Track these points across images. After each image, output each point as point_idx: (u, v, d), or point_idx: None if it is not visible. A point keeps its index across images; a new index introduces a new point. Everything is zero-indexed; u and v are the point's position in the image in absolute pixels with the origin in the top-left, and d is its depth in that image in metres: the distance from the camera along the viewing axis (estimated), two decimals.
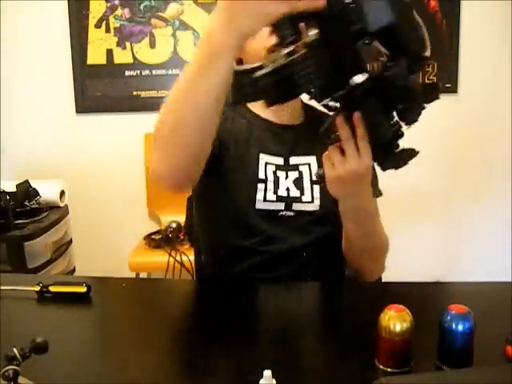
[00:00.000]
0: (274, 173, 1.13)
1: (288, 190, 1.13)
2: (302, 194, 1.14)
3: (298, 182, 1.14)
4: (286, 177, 1.14)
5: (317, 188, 1.14)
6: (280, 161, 1.14)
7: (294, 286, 1.09)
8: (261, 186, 1.11)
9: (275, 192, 1.12)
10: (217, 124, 0.85)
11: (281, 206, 1.12)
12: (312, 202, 1.13)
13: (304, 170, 1.15)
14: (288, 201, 1.12)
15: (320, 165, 1.00)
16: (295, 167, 1.15)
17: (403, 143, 0.86)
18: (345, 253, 1.13)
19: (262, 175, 1.12)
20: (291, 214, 1.13)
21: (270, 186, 1.12)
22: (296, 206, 1.13)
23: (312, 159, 1.15)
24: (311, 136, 1.03)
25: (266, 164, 1.13)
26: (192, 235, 1.42)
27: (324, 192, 1.12)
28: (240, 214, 1.11)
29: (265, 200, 1.11)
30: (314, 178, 1.13)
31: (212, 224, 1.19)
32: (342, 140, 0.88)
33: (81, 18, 2.49)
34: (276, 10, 0.72)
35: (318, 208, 1.13)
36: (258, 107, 1.17)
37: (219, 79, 0.78)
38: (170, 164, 0.87)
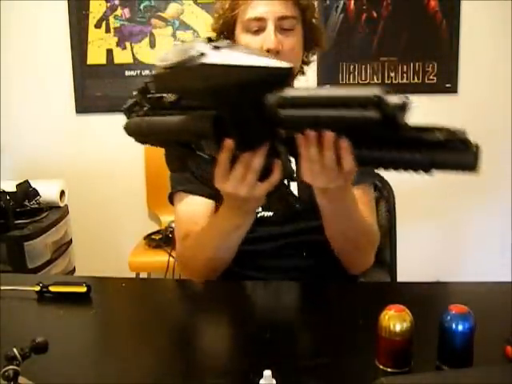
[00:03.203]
0: None
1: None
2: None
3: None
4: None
5: (294, 185, 1.12)
6: None
7: (294, 286, 1.09)
8: None
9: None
10: None
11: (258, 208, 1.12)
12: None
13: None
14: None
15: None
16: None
17: None
18: (330, 243, 1.11)
19: None
20: (270, 214, 1.12)
21: None
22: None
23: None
24: None
25: None
26: None
27: (302, 188, 1.11)
28: None
29: None
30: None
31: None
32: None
33: (81, 17, 2.49)
34: (264, 190, 0.85)
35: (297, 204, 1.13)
36: None
37: (240, 234, 1.03)
38: (202, 277, 1.12)
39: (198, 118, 0.81)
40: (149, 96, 0.92)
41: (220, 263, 1.09)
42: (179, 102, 0.87)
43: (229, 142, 0.80)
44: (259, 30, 1.07)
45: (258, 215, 1.11)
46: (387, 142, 0.69)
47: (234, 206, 0.93)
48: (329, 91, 0.69)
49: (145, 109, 0.93)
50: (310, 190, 1.00)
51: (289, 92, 0.71)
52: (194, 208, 1.16)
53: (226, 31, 1.13)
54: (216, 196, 1.12)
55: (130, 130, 0.95)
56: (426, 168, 0.70)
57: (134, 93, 0.97)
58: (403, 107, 0.63)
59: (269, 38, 1.05)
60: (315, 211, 1.03)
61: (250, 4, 1.08)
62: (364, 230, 1.07)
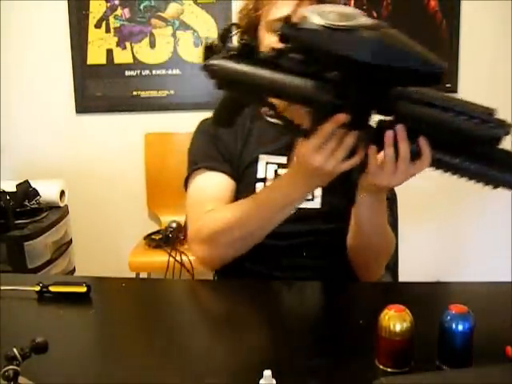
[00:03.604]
0: (275, 172, 1.13)
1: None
2: None
3: None
4: None
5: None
6: (283, 160, 1.15)
7: (294, 286, 1.09)
8: (259, 185, 1.12)
9: None
10: None
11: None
12: (312, 199, 1.13)
13: None
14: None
15: None
16: None
17: None
18: (349, 249, 1.12)
19: (261, 174, 1.13)
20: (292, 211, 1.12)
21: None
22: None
23: None
24: None
25: (267, 163, 1.14)
26: None
27: (327, 190, 1.12)
28: None
29: None
30: None
31: None
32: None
33: (81, 17, 2.49)
34: (344, 169, 0.85)
35: (319, 206, 1.13)
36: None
37: (284, 216, 1.00)
38: (219, 258, 1.08)
39: (320, 87, 0.78)
40: (243, 41, 0.83)
41: (257, 240, 1.05)
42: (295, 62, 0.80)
43: (342, 116, 0.79)
44: None
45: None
46: (480, 156, 0.78)
47: (307, 178, 0.91)
48: (450, 97, 0.75)
49: (231, 53, 0.83)
50: (332, 194, 1.03)
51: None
52: (219, 184, 1.13)
53: (249, 30, 1.12)
54: (233, 175, 1.13)
55: (214, 72, 0.84)
56: (509, 187, 0.81)
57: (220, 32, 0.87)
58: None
59: None
60: (333, 215, 1.06)
61: (274, 4, 1.07)
62: (386, 239, 1.08)
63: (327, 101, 0.78)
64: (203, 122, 1.23)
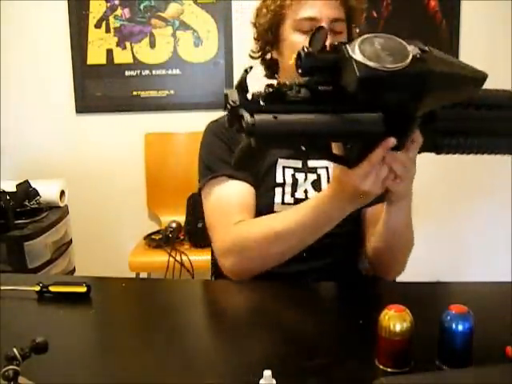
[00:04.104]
0: (293, 175, 1.14)
1: (306, 192, 1.13)
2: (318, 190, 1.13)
3: (316, 184, 1.14)
4: (305, 179, 1.14)
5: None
6: (298, 164, 1.15)
7: (294, 286, 1.09)
8: (278, 189, 1.13)
9: (293, 195, 1.13)
10: None
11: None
12: None
13: (322, 172, 1.15)
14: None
15: None
16: (313, 169, 1.16)
17: None
18: (373, 251, 1.10)
19: (279, 179, 1.14)
20: None
21: (288, 189, 1.13)
22: None
23: (330, 163, 1.15)
24: None
25: (284, 168, 1.14)
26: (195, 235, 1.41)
27: None
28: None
29: (283, 203, 1.12)
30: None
31: None
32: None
33: (81, 17, 2.49)
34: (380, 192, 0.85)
35: None
36: None
37: (323, 233, 0.98)
38: (250, 271, 1.06)
39: (372, 119, 0.75)
40: (273, 89, 0.72)
41: (292, 255, 1.03)
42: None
43: (391, 141, 0.77)
44: (311, 30, 1.06)
45: None
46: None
47: (352, 201, 0.89)
48: None
49: (262, 104, 0.72)
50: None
51: None
52: (242, 192, 1.11)
53: (273, 27, 1.13)
54: (252, 182, 1.11)
55: (261, 132, 0.71)
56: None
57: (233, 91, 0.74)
58: None
59: None
60: (345, 219, 1.05)
61: (302, 3, 1.08)
62: (411, 235, 1.07)
63: (382, 132, 0.77)
64: (213, 125, 1.20)
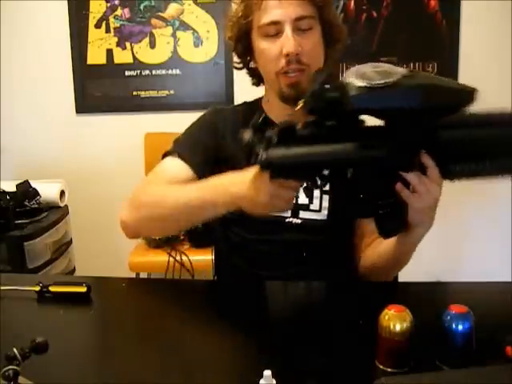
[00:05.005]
0: None
1: (297, 197, 1.13)
2: (311, 202, 1.13)
3: (308, 190, 1.14)
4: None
5: (326, 198, 1.13)
6: None
7: (294, 286, 1.09)
8: None
9: None
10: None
11: (287, 212, 1.12)
12: (319, 211, 1.13)
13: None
14: (295, 208, 1.12)
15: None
16: None
17: None
18: (370, 265, 1.11)
19: None
20: (298, 221, 1.12)
21: None
22: (303, 214, 1.13)
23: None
24: None
25: None
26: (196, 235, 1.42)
27: (335, 203, 1.12)
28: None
29: None
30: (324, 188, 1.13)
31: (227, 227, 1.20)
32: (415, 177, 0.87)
33: (81, 17, 2.49)
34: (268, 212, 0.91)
35: (325, 217, 1.13)
36: (273, 113, 1.16)
37: (215, 214, 1.02)
38: (141, 227, 1.13)
39: (375, 145, 0.82)
40: (282, 126, 0.83)
41: (170, 228, 1.11)
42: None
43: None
44: (277, 34, 1.05)
45: (286, 220, 1.12)
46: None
47: (241, 198, 0.93)
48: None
49: (274, 139, 0.82)
50: (340, 207, 1.08)
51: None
52: (177, 172, 1.14)
53: (242, 38, 1.12)
54: (199, 171, 1.13)
55: (277, 165, 0.82)
56: None
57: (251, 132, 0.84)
58: None
59: (287, 41, 1.03)
60: (339, 228, 1.09)
61: (263, 8, 1.06)
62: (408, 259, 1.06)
63: (386, 155, 0.82)
64: (214, 110, 1.23)
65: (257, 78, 1.20)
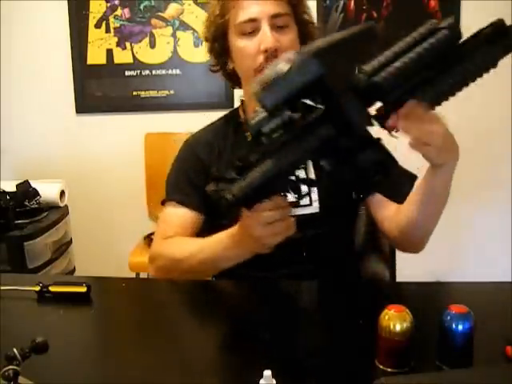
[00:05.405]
0: None
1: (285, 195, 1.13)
2: (300, 198, 1.13)
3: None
4: None
5: (315, 191, 1.13)
6: None
7: (294, 286, 1.09)
8: None
9: None
10: None
11: None
12: (310, 204, 1.13)
13: (300, 173, 1.14)
14: None
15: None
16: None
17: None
18: (407, 220, 1.09)
19: None
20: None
21: None
22: (295, 211, 1.12)
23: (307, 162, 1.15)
24: None
25: None
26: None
27: (324, 193, 1.12)
28: None
29: None
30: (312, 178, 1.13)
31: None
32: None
33: (81, 17, 2.49)
34: (274, 242, 0.92)
35: (317, 210, 1.13)
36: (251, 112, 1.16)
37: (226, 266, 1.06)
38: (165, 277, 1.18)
39: (322, 128, 0.80)
40: (237, 165, 0.85)
41: (201, 276, 1.14)
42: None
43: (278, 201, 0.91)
44: (254, 32, 1.06)
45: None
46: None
47: (242, 243, 0.97)
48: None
49: (235, 177, 0.85)
50: (329, 196, 1.07)
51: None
52: (182, 217, 1.19)
53: (218, 37, 1.13)
54: (200, 208, 1.17)
55: (242, 197, 0.84)
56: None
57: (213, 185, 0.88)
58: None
59: (265, 37, 1.05)
60: (333, 216, 1.08)
61: (240, 6, 1.07)
62: (446, 195, 1.05)
63: (334, 133, 0.80)
64: (192, 140, 1.24)
65: (234, 81, 1.20)
